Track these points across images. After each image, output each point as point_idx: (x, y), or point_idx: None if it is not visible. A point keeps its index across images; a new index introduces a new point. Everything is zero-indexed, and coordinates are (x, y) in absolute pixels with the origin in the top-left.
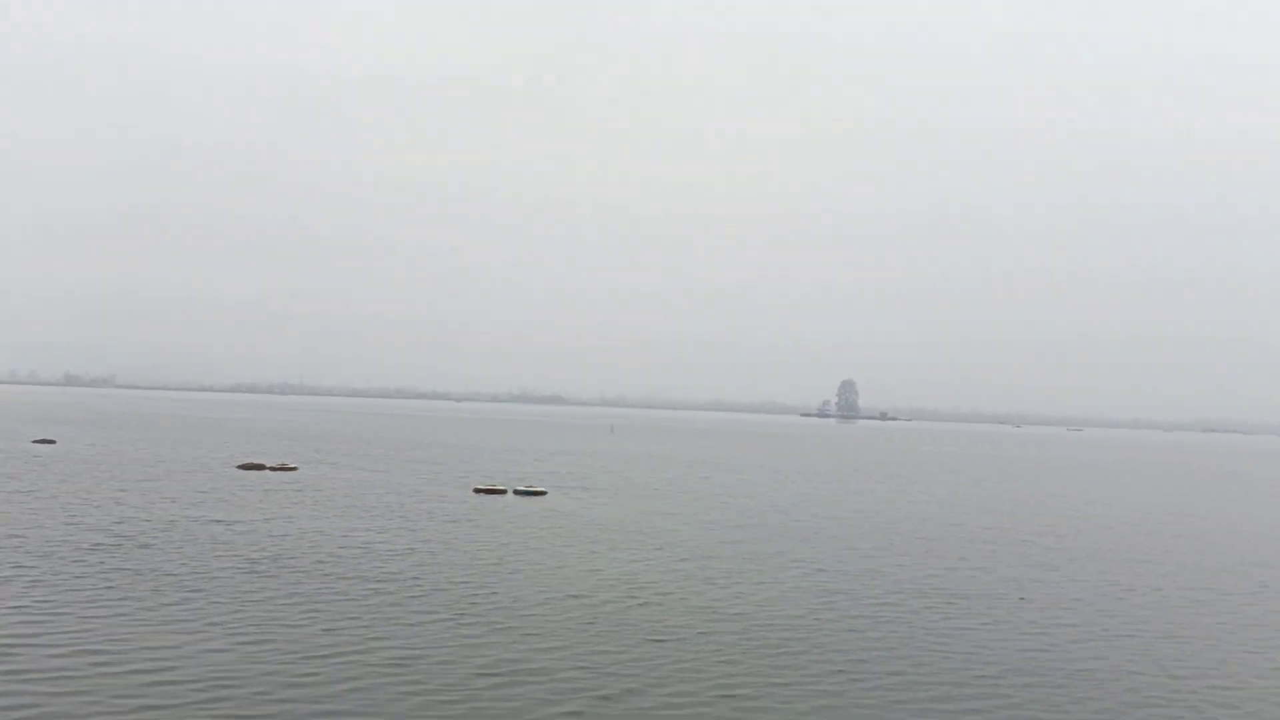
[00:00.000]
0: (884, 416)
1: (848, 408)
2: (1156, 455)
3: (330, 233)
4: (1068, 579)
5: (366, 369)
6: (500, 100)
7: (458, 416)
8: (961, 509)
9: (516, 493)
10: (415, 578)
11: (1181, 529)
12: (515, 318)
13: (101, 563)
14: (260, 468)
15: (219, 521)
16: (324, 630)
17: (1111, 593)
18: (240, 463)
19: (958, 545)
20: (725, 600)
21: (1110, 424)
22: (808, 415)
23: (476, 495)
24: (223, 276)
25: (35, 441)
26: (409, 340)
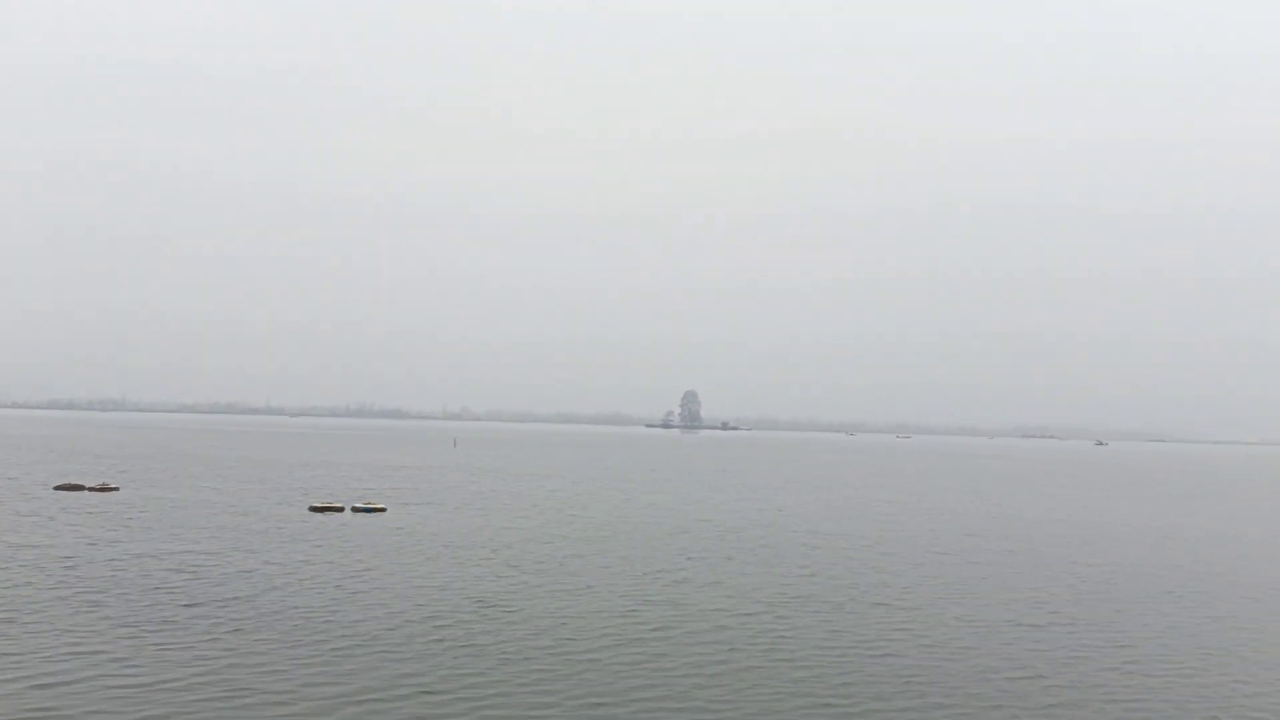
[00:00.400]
0: (725, 426)
1: (691, 418)
2: (959, 460)
3: (144, 232)
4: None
5: (193, 383)
6: (329, 98)
7: (292, 432)
8: (801, 516)
9: (355, 510)
10: (249, 600)
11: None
12: (354, 328)
13: None
14: (79, 488)
15: (32, 546)
16: (153, 661)
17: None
18: (57, 483)
19: (800, 551)
20: (575, 614)
21: (938, 431)
22: (652, 426)
23: (313, 513)
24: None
25: None
26: (237, 351)
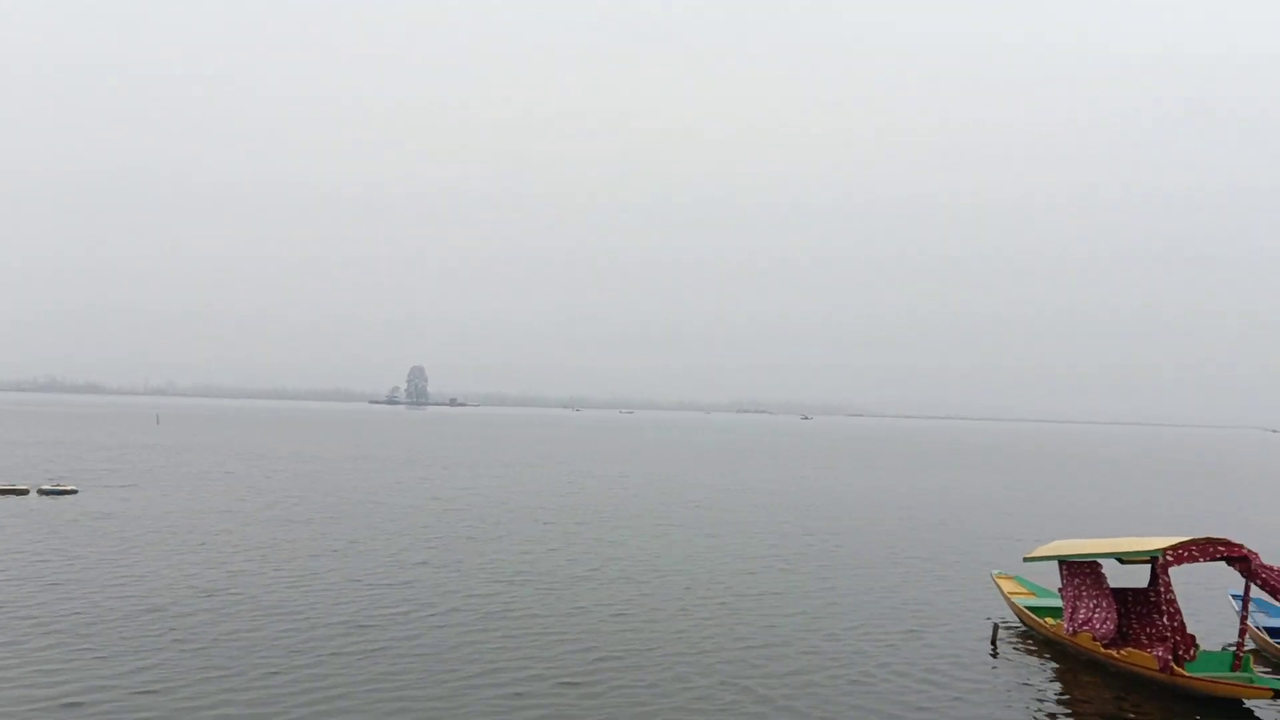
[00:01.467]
0: (453, 402)
1: (417, 394)
2: (662, 433)
3: None
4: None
5: None
6: None
7: None
8: (525, 494)
9: (41, 492)
10: None
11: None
12: (46, 295)
13: None
14: None
15: None
16: None
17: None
18: None
19: (533, 528)
20: (289, 599)
21: (660, 406)
22: (377, 402)
23: None
24: None
25: None
26: None
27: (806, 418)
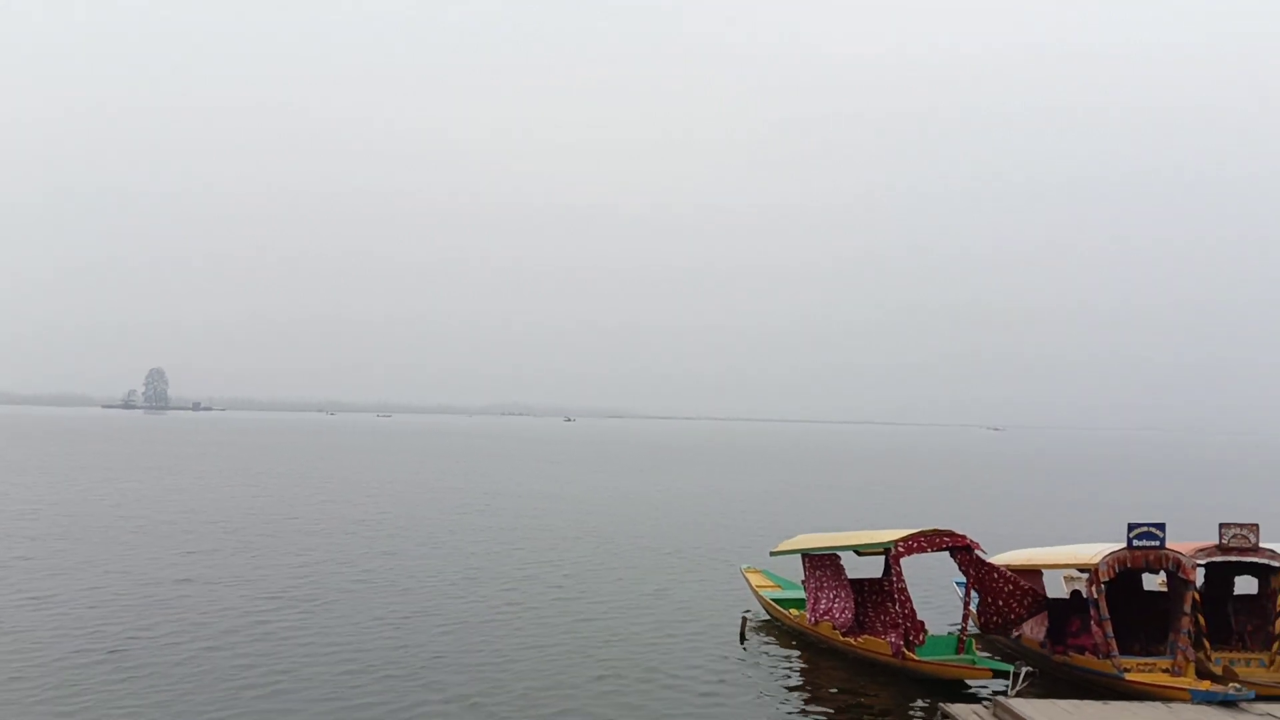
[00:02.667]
0: (197, 407)
1: (156, 398)
2: (416, 439)
3: None
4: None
5: None
6: None
7: None
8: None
9: None
10: None
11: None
12: None
13: None
14: None
15: None
16: None
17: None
18: None
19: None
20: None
21: (420, 409)
22: (111, 407)
23: None
24: None
25: None
26: None
27: (570, 420)
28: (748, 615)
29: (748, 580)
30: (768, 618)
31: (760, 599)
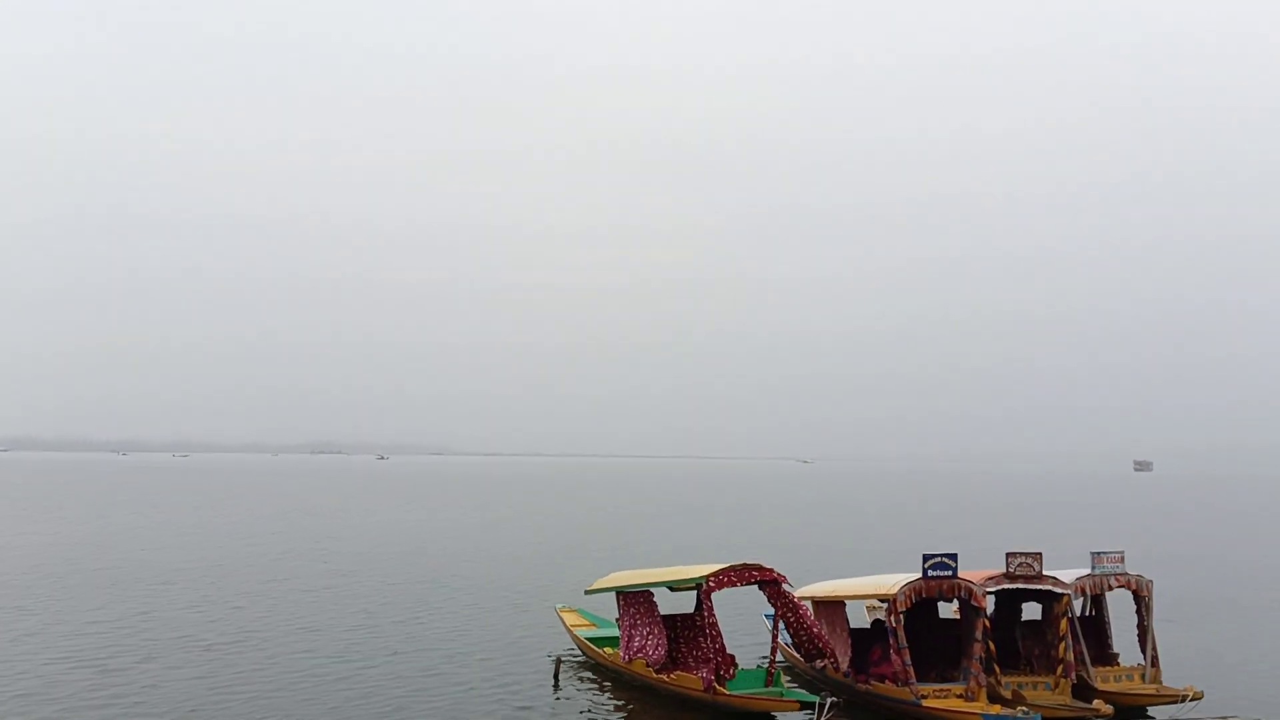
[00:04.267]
0: None
1: None
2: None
3: None
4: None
5: None
6: None
7: None
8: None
9: None
10: None
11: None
12: None
13: None
14: None
15: None
16: None
17: None
18: None
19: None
20: None
21: (222, 448)
22: None
23: None
24: None
25: None
26: None
27: (383, 458)
28: (561, 655)
29: (562, 619)
30: (582, 657)
31: (575, 638)
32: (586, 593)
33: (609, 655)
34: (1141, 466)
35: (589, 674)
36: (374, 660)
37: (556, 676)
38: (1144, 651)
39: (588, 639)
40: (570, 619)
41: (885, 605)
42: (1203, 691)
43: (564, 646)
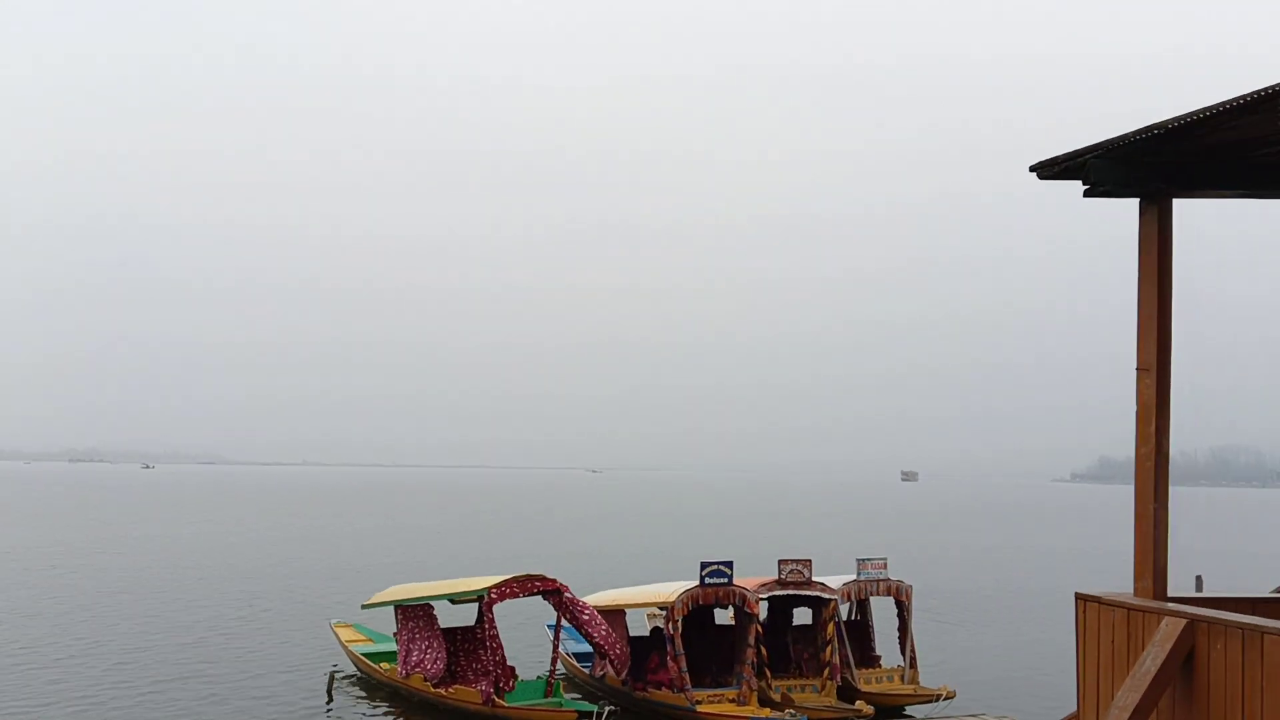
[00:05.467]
0: None
1: None
2: None
3: None
4: None
5: None
6: None
7: None
8: None
9: None
10: None
11: None
12: None
13: None
14: None
15: None
16: None
17: None
18: None
19: None
20: None
21: None
22: None
23: None
24: None
25: None
26: None
27: (149, 466)
28: (336, 671)
29: (337, 635)
30: (359, 673)
31: (350, 654)
32: (363, 607)
33: (386, 670)
34: (908, 476)
35: (364, 690)
36: (138, 686)
37: (330, 693)
38: (904, 653)
39: (364, 654)
40: (346, 634)
41: (665, 613)
42: (955, 690)
43: (339, 662)
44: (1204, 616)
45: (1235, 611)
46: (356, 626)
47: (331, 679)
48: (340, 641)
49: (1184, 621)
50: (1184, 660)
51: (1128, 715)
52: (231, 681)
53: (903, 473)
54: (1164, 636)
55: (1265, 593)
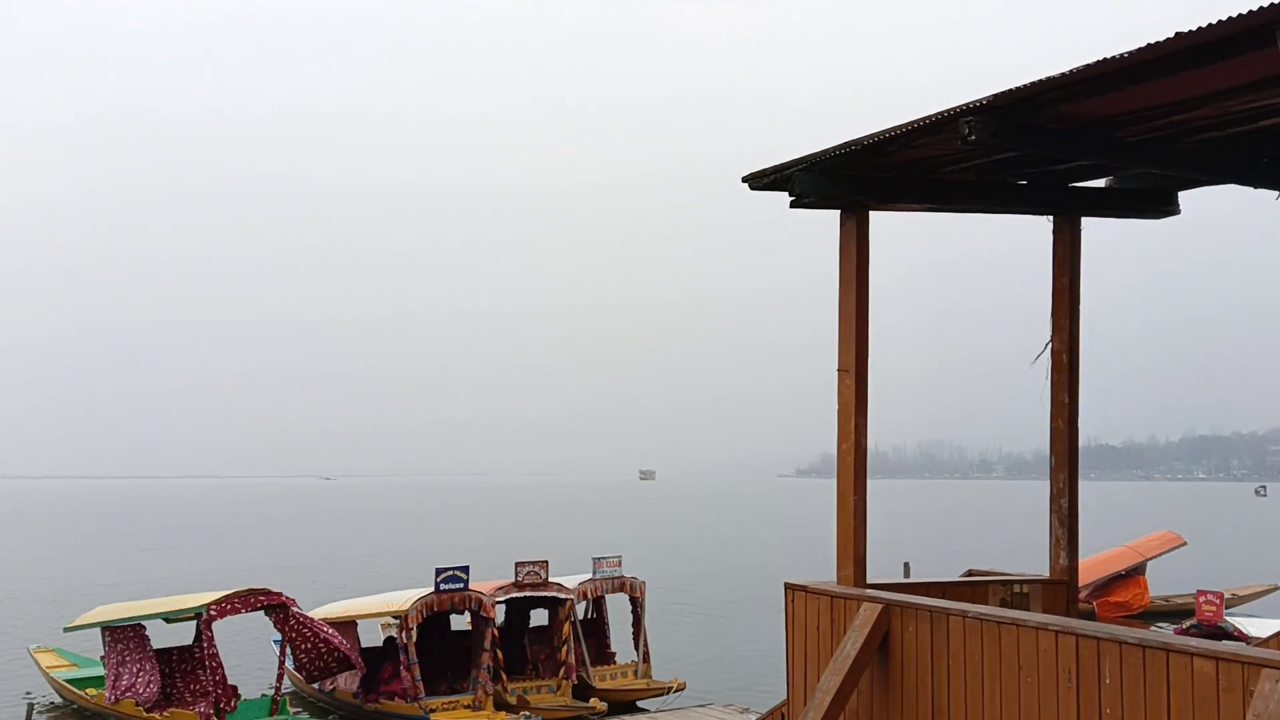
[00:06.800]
0: None
1: None
2: None
3: None
4: None
5: None
6: None
7: None
8: None
9: None
10: None
11: None
12: None
13: None
14: None
15: None
16: None
17: None
18: None
19: None
20: None
21: None
22: None
23: None
24: None
25: None
26: None
27: None
28: (35, 701)
29: (37, 661)
30: (61, 701)
31: (51, 681)
32: (66, 630)
33: (92, 697)
34: (646, 475)
35: (68, 719)
36: None
37: None
38: (637, 649)
39: (66, 680)
40: (46, 660)
41: (399, 621)
42: (685, 682)
43: (39, 691)
44: (898, 601)
45: (927, 595)
46: (59, 651)
47: (30, 710)
48: (40, 668)
49: (880, 606)
50: (881, 643)
51: (830, 698)
52: None
53: (640, 471)
54: (862, 621)
55: (955, 577)
